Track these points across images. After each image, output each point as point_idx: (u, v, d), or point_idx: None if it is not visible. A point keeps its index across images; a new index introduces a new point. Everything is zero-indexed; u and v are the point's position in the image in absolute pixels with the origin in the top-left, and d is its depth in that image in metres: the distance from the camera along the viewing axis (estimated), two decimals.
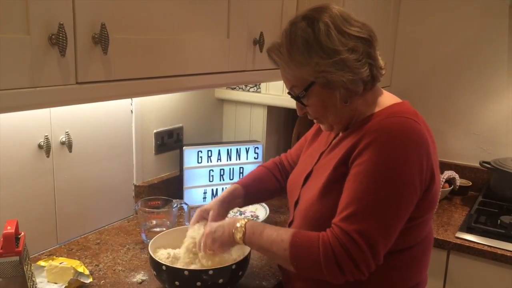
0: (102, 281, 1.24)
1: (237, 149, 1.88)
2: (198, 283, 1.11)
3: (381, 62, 1.08)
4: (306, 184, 1.18)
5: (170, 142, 1.82)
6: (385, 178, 0.98)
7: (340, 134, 1.16)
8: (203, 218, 1.26)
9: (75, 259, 1.30)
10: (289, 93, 1.12)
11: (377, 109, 1.08)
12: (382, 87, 1.15)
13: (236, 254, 1.26)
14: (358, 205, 0.97)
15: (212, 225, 1.16)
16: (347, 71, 1.00)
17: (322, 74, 1.01)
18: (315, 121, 1.17)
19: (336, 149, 1.12)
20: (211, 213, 1.25)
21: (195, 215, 1.27)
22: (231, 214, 1.51)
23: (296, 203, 1.19)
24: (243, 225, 1.10)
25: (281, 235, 1.04)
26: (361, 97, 1.07)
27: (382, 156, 0.98)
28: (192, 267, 1.17)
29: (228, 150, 1.86)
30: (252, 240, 1.09)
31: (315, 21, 1.02)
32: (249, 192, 1.35)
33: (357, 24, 1.04)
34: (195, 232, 1.22)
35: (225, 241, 1.13)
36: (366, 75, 1.03)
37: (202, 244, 1.16)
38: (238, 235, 1.10)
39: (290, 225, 1.21)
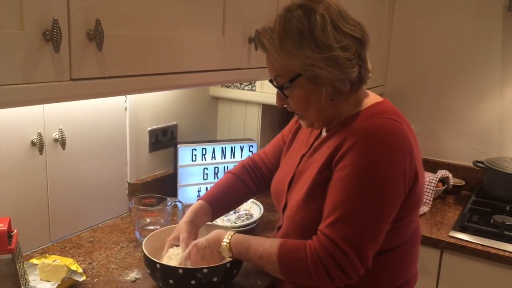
0: (96, 280, 1.24)
1: (231, 147, 1.87)
2: (193, 282, 1.10)
3: (369, 65, 1.07)
4: (291, 189, 1.17)
5: (164, 139, 1.82)
6: (368, 182, 0.97)
7: (322, 136, 1.15)
8: (174, 246, 1.22)
9: (68, 257, 1.29)
10: (271, 81, 1.09)
11: (359, 109, 1.07)
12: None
13: None
14: (342, 210, 0.97)
15: (198, 243, 1.15)
16: (337, 68, 0.99)
17: (311, 68, 0.99)
18: (296, 116, 1.14)
19: (318, 151, 1.11)
20: (181, 237, 1.20)
21: (166, 248, 1.21)
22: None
23: (284, 208, 1.18)
24: (227, 244, 1.11)
25: (267, 249, 1.05)
26: (345, 97, 1.05)
27: (364, 159, 0.98)
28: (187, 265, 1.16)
29: (222, 148, 1.85)
30: (241, 256, 1.11)
31: (312, 12, 0.99)
32: (216, 207, 1.30)
33: (352, 23, 1.03)
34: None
35: (217, 258, 1.14)
36: (354, 75, 1.01)
37: (188, 262, 1.15)
38: (227, 254, 1.12)
39: (279, 229, 1.21)
